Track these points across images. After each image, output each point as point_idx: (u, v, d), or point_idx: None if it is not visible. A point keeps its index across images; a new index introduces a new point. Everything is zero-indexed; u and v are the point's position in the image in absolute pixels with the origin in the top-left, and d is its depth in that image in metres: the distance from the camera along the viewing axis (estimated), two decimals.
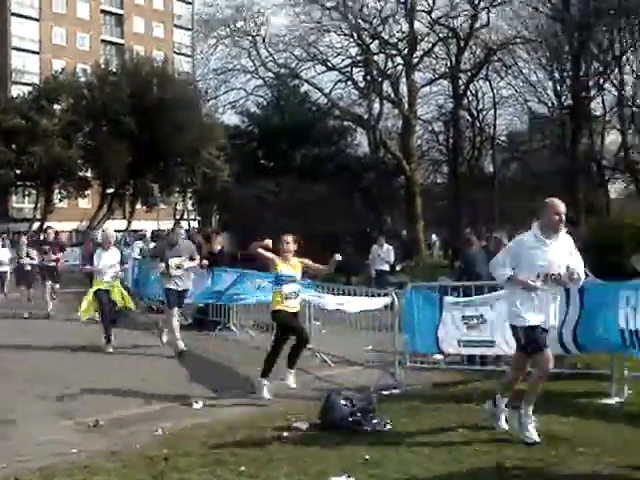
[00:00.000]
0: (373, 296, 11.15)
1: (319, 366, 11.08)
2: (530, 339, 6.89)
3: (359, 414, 7.45)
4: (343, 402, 7.56)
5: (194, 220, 53.99)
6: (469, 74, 43.76)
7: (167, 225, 47.41)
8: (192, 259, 12.67)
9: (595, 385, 9.10)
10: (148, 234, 29.52)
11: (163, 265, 12.28)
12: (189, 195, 46.31)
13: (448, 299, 9.82)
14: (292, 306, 9.16)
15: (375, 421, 7.45)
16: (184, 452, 6.73)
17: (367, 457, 6.47)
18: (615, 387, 8.75)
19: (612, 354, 8.99)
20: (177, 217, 55.01)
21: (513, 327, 7.09)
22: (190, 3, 77.39)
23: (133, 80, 37.80)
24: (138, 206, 44.00)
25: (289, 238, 9.33)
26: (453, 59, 42.91)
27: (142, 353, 12.34)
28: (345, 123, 41.50)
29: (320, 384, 9.83)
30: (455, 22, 41.32)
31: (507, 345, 9.21)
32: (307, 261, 9.49)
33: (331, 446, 6.85)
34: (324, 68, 42.62)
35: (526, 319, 6.87)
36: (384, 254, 21.18)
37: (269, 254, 9.31)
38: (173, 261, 12.21)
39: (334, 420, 7.44)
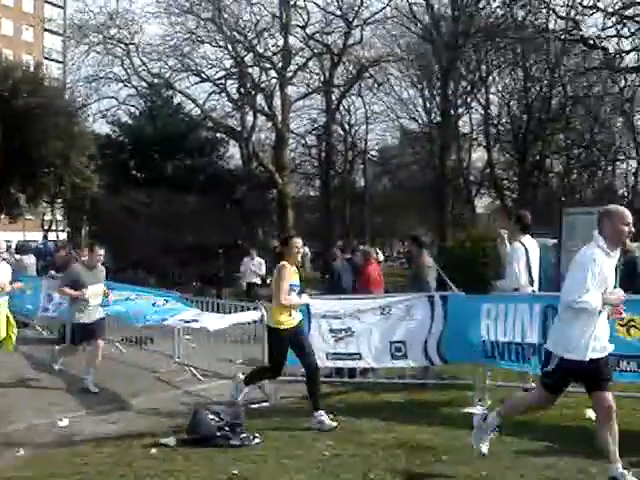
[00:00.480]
0: (243, 309, 11.14)
1: (189, 380, 11.00)
2: (555, 373, 6.01)
3: (227, 429, 7.45)
4: (211, 417, 7.54)
5: (63, 231, 52.51)
6: (342, 89, 44.40)
7: (35, 236, 45.99)
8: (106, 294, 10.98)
9: (459, 394, 9.40)
10: (13, 245, 28.52)
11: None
12: (58, 205, 45.00)
13: (316, 311, 9.85)
14: (297, 318, 8.47)
15: (244, 435, 7.46)
16: (48, 473, 6.56)
17: (235, 472, 6.48)
18: (478, 396, 9.08)
19: (475, 364, 9.34)
20: (45, 228, 53.43)
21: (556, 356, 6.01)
22: (62, 7, 75.40)
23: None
24: (3, 216, 42.40)
25: (299, 242, 8.51)
26: (327, 74, 43.43)
27: (5, 369, 11.92)
28: (218, 135, 41.31)
29: (189, 399, 9.77)
30: (329, 38, 41.83)
31: (372, 358, 9.43)
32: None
33: (199, 462, 6.83)
34: (198, 79, 42.35)
35: (567, 351, 5.91)
36: (256, 267, 21.19)
37: (285, 282, 8.25)
38: (93, 289, 10.49)
39: (202, 435, 7.41)
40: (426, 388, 9.97)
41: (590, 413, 8.29)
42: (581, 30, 30.05)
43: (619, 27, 29.99)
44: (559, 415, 8.38)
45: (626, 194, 48.16)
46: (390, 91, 45.20)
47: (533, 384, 9.17)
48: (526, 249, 9.22)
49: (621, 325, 7.84)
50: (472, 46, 38.78)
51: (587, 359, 5.84)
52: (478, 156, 48.32)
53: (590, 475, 6.26)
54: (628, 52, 32.32)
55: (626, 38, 31.68)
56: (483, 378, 9.30)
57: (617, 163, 48.29)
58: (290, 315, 8.26)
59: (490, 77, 42.78)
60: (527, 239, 9.36)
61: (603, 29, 29.79)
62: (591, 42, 29.89)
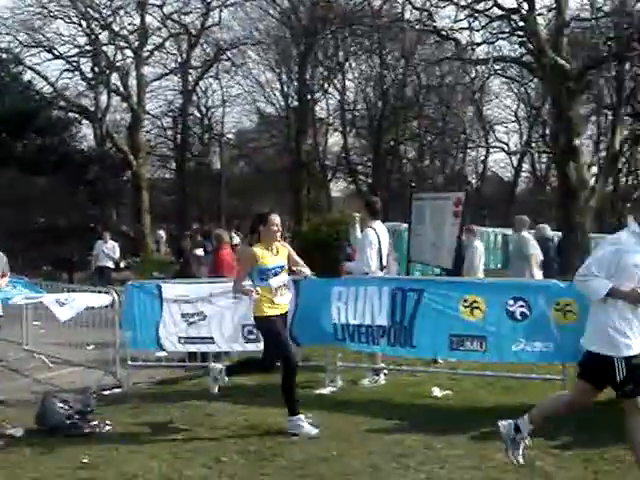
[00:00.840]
0: (94, 293, 10.88)
1: (38, 368, 10.74)
2: (631, 375, 5.17)
3: (77, 416, 7.33)
4: (60, 405, 7.38)
5: None
6: (199, 71, 44.13)
7: None
8: (3, 276, 9.83)
9: (311, 376, 9.55)
10: None
11: None
12: None
13: (167, 295, 9.71)
14: (283, 305, 7.44)
15: (94, 423, 7.37)
16: None
17: (86, 460, 6.41)
18: (329, 377, 9.26)
19: (326, 346, 9.51)
20: None
21: (602, 357, 5.26)
22: None
23: None
24: None
25: (277, 220, 7.39)
26: (184, 55, 43.06)
27: None
28: (70, 114, 40.14)
29: (39, 387, 9.52)
30: (187, 18, 41.44)
31: (224, 341, 9.45)
32: (291, 250, 7.69)
33: (48, 452, 6.70)
34: (50, 56, 41.10)
35: (626, 347, 5.19)
36: (109, 250, 20.75)
37: (244, 266, 7.50)
38: None
39: (51, 424, 7.26)
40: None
41: (436, 391, 8.66)
42: (435, 21, 30.72)
43: (471, 20, 30.93)
44: (407, 393, 8.69)
45: (475, 180, 50.14)
46: (248, 74, 45.37)
47: (382, 364, 9.45)
48: (377, 235, 9.41)
49: (465, 307, 8.17)
50: (330, 32, 39.27)
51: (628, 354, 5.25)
52: (334, 141, 49.15)
53: (436, 450, 6.49)
54: (479, 44, 33.40)
55: (477, 31, 32.75)
56: (334, 360, 9.50)
57: (467, 150, 50.22)
58: (273, 303, 7.31)
59: (347, 63, 43.61)
60: (378, 224, 9.56)
61: (456, 21, 30.60)
62: (444, 33, 30.61)
